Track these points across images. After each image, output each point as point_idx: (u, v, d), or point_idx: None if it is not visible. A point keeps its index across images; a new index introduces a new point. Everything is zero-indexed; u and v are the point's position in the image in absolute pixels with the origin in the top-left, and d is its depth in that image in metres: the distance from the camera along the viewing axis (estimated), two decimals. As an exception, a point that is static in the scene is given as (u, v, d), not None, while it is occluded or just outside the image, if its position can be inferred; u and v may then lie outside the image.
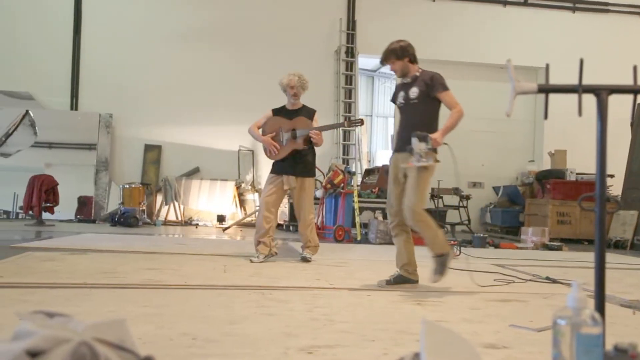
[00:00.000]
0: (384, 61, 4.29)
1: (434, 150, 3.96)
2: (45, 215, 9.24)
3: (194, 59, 11.35)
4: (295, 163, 5.39)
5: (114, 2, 11.49)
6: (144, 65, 11.34)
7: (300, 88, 5.52)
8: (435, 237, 3.93)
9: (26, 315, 1.14)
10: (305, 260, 5.38)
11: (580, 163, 10.68)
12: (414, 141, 3.89)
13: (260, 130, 5.54)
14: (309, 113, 5.53)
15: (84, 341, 1.01)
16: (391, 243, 7.89)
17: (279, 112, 5.61)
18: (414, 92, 4.11)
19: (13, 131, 10.55)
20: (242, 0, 11.67)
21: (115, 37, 11.35)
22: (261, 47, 11.57)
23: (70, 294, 3.33)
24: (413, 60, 4.19)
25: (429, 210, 9.67)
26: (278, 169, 5.44)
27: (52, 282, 3.66)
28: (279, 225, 10.30)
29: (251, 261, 5.20)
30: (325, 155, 11.53)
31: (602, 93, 1.81)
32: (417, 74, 4.18)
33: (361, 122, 5.57)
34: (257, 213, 5.66)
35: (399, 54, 4.16)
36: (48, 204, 9.18)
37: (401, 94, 4.22)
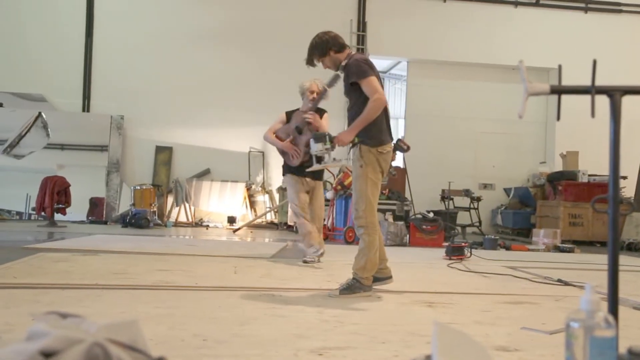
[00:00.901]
0: (309, 62, 3.96)
1: (368, 148, 3.60)
2: (58, 217, 9.29)
3: (205, 61, 11.39)
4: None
5: (126, 5, 11.56)
6: (155, 67, 11.40)
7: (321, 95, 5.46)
8: (366, 254, 3.63)
9: (40, 316, 1.15)
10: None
11: (593, 164, 10.60)
12: (311, 143, 3.68)
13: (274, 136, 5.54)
14: (319, 113, 5.48)
15: (97, 342, 1.02)
16: (402, 245, 7.92)
17: (292, 115, 5.60)
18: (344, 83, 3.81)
19: (26, 133, 10.63)
20: (253, 2, 11.70)
21: (127, 39, 11.41)
22: (272, 48, 11.59)
23: (82, 295, 3.35)
24: (339, 49, 3.84)
25: (438, 212, 9.59)
26: (297, 171, 5.38)
27: (64, 283, 3.68)
28: (288, 227, 10.36)
29: (305, 262, 5.23)
30: (335, 157, 11.52)
31: (615, 94, 1.80)
32: (344, 62, 3.82)
33: (337, 76, 5.35)
34: (294, 216, 5.61)
35: (321, 50, 3.84)
36: (60, 205, 9.24)
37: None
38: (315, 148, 3.70)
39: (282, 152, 5.52)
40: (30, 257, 4.91)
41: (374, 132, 3.67)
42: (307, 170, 4.03)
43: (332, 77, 4.68)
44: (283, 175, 5.70)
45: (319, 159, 3.76)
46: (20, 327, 2.41)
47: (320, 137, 3.71)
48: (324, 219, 8.59)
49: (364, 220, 3.65)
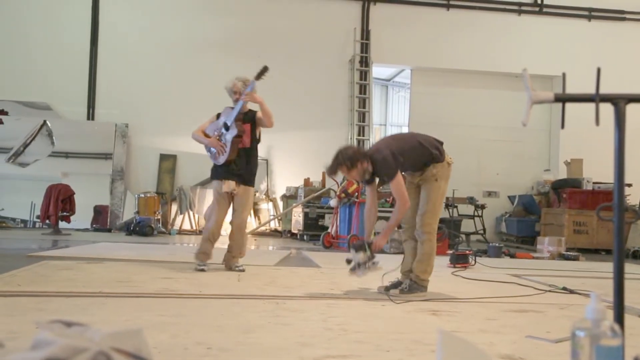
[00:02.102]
0: (332, 173, 4.17)
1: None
2: (62, 224, 9.31)
3: (210, 69, 11.42)
4: (238, 168, 5.06)
5: (130, 13, 11.62)
6: (159, 76, 11.44)
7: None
8: (429, 259, 4.07)
9: (45, 325, 1.15)
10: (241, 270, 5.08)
11: (597, 172, 10.57)
12: (353, 253, 3.90)
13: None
14: (250, 114, 5.17)
15: (102, 350, 1.02)
16: (406, 252, 7.90)
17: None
18: (379, 184, 4.29)
19: (31, 141, 10.68)
20: (258, 10, 11.75)
21: (132, 47, 11.47)
22: (276, 56, 11.60)
23: (87, 303, 3.35)
24: (363, 158, 3.98)
25: (442, 220, 9.60)
26: (223, 173, 5.07)
27: (68, 291, 3.69)
28: (292, 234, 10.35)
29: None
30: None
31: (620, 102, 1.80)
32: (370, 169, 4.02)
33: (265, 69, 5.09)
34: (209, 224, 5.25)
35: (351, 161, 3.94)
36: (65, 213, 9.26)
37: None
38: (358, 258, 3.90)
39: (208, 150, 5.19)
40: (35, 265, 4.92)
41: (434, 153, 4.08)
42: (360, 276, 3.92)
43: (260, 69, 5.01)
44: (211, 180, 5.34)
45: (362, 265, 3.91)
46: (24, 335, 2.41)
47: (360, 246, 3.92)
48: (330, 227, 8.61)
49: (431, 227, 4.05)
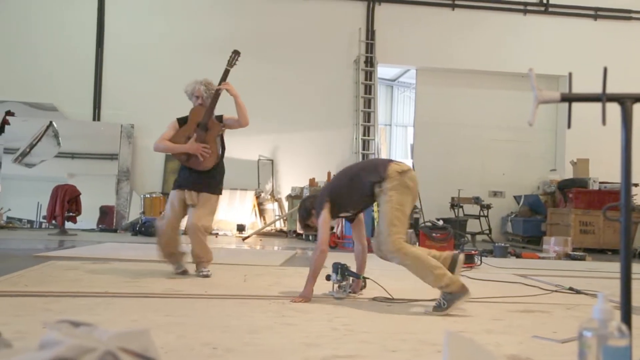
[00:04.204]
0: (304, 228, 4.20)
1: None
2: (68, 225, 9.35)
3: (215, 70, 11.37)
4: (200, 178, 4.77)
5: (136, 14, 11.66)
6: (165, 76, 11.46)
7: (209, 99, 4.86)
8: (425, 269, 3.49)
9: (52, 325, 1.16)
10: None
11: (604, 172, 10.53)
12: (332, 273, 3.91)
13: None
14: (217, 118, 4.90)
15: (109, 350, 1.02)
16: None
17: (185, 122, 4.94)
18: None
19: (37, 142, 10.72)
20: (263, 11, 11.76)
21: (137, 48, 11.50)
22: (281, 57, 11.63)
23: (93, 303, 3.36)
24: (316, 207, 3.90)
25: (448, 220, 9.55)
26: (187, 183, 4.80)
27: (75, 291, 3.70)
28: (298, 235, 10.36)
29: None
30: (344, 165, 11.50)
31: (626, 102, 1.79)
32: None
33: (236, 53, 4.99)
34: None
35: (305, 215, 4.03)
36: (71, 214, 9.29)
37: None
38: (333, 278, 3.91)
39: (186, 159, 4.81)
40: (42, 265, 4.94)
41: (372, 181, 3.75)
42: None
43: (230, 55, 4.97)
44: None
45: (335, 287, 3.93)
46: (32, 335, 2.42)
47: (335, 268, 3.89)
48: (335, 227, 8.62)
49: (397, 243, 3.53)
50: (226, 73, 4.92)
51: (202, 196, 4.78)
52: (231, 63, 4.93)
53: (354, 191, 3.80)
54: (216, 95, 4.82)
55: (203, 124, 4.80)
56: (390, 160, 3.82)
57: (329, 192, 3.90)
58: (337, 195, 3.84)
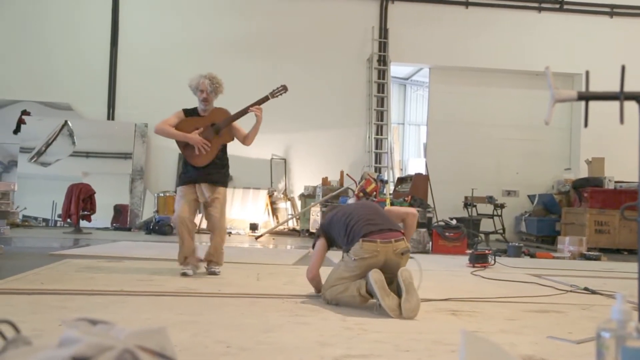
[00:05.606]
0: None
1: None
2: (83, 223, 9.42)
3: (228, 69, 11.41)
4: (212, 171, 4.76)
5: (150, 14, 11.72)
6: (179, 76, 11.43)
7: (213, 93, 4.81)
8: None
9: (70, 322, 1.17)
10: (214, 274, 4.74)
11: (619, 171, 10.42)
12: None
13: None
14: (224, 113, 4.92)
15: (127, 348, 1.03)
16: (425, 252, 7.86)
17: (190, 114, 4.91)
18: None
19: (52, 141, 10.83)
20: (276, 10, 11.78)
21: (151, 48, 11.57)
22: (294, 55, 11.65)
23: (108, 301, 3.39)
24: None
25: (461, 219, 9.48)
26: (195, 177, 4.73)
27: (90, 289, 3.73)
28: (310, 234, 10.35)
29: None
30: (357, 164, 11.52)
31: (644, 100, 1.77)
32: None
33: (283, 88, 4.93)
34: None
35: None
36: (85, 212, 9.37)
37: None
38: None
39: (184, 147, 4.76)
40: (57, 263, 4.99)
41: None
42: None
43: (279, 88, 4.92)
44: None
45: None
46: (48, 332, 2.44)
47: None
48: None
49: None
50: (265, 100, 4.94)
51: (216, 191, 4.78)
52: (274, 94, 4.97)
53: (340, 230, 3.70)
54: (244, 112, 4.84)
55: (217, 127, 4.83)
56: (370, 233, 3.49)
57: (325, 227, 3.86)
58: (330, 233, 3.81)
